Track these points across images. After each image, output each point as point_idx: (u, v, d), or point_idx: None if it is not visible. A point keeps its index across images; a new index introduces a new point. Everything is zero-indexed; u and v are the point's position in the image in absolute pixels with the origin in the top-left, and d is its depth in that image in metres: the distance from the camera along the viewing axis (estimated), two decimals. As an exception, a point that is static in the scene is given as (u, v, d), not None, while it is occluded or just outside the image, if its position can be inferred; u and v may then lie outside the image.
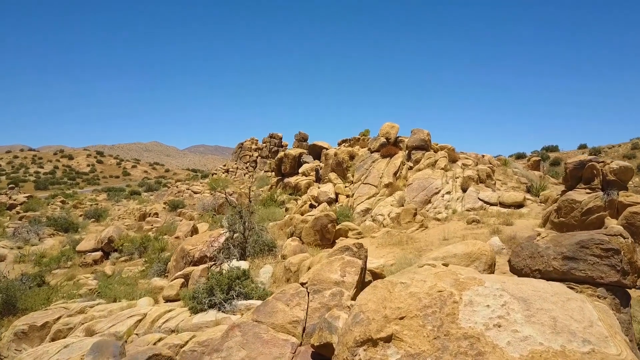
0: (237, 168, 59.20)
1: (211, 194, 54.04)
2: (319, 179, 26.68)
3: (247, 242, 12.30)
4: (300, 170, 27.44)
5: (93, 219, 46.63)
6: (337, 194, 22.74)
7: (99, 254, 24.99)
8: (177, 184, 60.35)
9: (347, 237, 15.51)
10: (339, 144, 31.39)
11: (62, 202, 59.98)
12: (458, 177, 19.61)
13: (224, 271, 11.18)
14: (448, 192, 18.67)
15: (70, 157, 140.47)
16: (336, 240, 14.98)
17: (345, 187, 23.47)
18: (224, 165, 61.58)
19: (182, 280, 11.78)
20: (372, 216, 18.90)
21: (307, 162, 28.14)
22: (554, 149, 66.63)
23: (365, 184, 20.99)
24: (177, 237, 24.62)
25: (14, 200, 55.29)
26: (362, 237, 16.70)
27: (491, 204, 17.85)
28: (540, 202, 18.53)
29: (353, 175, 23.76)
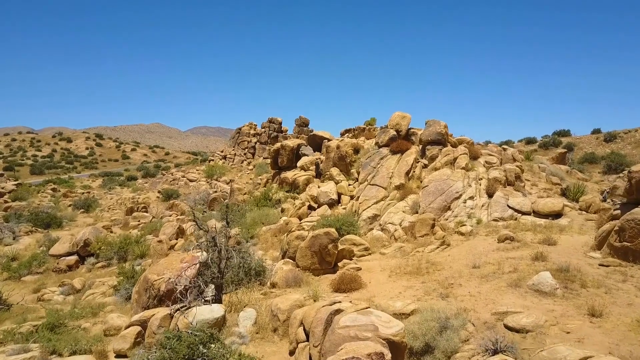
0: (235, 154, 56.28)
1: (207, 182, 51.43)
2: (319, 174, 23.82)
3: (223, 278, 9.56)
4: (298, 164, 24.55)
5: (82, 210, 44.24)
6: (339, 194, 19.90)
7: (73, 258, 22.40)
8: (172, 172, 57.67)
9: (351, 258, 12.73)
10: (342, 134, 28.45)
11: (53, 189, 57.51)
12: (482, 179, 16.71)
13: (191, 322, 8.48)
14: (471, 197, 15.81)
15: (69, 140, 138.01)
16: (339, 264, 12.22)
17: (349, 185, 20.61)
18: (222, 152, 58.64)
19: (139, 328, 9.10)
20: (380, 224, 16.12)
21: (307, 155, 25.23)
22: (566, 133, 63.09)
23: (372, 185, 18.10)
24: (159, 241, 21.97)
25: (2, 188, 52.71)
26: (369, 254, 13.97)
27: (523, 213, 15.00)
28: (581, 210, 15.66)
29: (358, 172, 20.88)
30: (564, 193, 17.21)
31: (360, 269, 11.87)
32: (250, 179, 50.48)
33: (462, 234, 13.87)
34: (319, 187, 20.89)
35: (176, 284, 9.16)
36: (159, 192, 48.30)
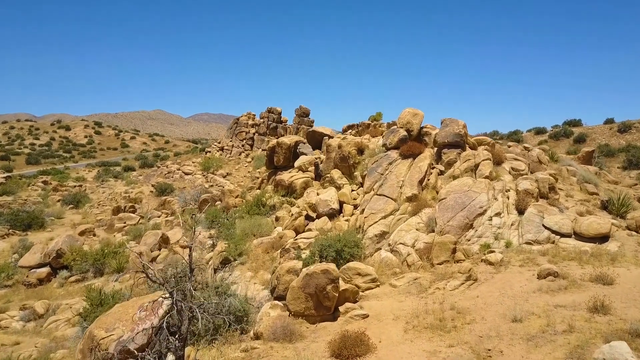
0: (233, 146, 53.66)
1: (203, 176, 49.03)
2: (318, 176, 21.33)
3: (185, 347, 7.14)
4: (296, 164, 22.00)
5: (71, 205, 42.14)
6: (341, 203, 17.42)
7: (45, 271, 20.08)
8: (167, 164, 55.17)
9: (355, 299, 10.27)
10: (344, 131, 25.85)
11: (44, 182, 55.24)
12: (509, 191, 14.14)
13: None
14: (497, 214, 13.27)
15: (68, 128, 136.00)
16: (340, 308, 9.78)
17: (352, 191, 18.13)
18: (219, 143, 56.05)
19: (68, 418, 6.74)
20: (390, 244, 13.65)
21: (305, 154, 22.67)
22: (577, 123, 60.09)
23: (379, 195, 15.56)
24: (140, 253, 19.64)
25: (-11, 181, 50.51)
26: (377, 286, 11.53)
27: (563, 235, 12.47)
28: (629, 230, 13.11)
29: (362, 176, 18.36)
30: (604, 206, 14.63)
31: (368, 316, 9.45)
32: (249, 172, 48.00)
33: (490, 263, 11.38)
34: (318, 193, 18.40)
35: (137, 330, 6.76)
36: (152, 186, 46.05)
